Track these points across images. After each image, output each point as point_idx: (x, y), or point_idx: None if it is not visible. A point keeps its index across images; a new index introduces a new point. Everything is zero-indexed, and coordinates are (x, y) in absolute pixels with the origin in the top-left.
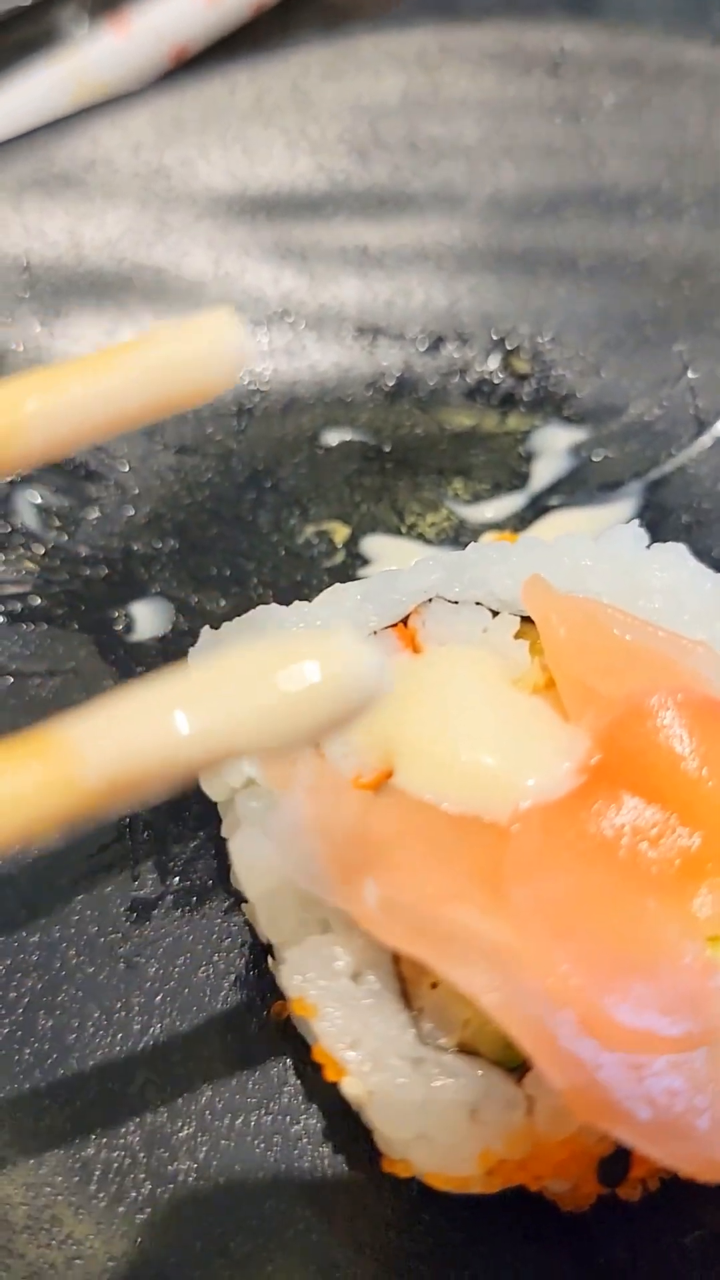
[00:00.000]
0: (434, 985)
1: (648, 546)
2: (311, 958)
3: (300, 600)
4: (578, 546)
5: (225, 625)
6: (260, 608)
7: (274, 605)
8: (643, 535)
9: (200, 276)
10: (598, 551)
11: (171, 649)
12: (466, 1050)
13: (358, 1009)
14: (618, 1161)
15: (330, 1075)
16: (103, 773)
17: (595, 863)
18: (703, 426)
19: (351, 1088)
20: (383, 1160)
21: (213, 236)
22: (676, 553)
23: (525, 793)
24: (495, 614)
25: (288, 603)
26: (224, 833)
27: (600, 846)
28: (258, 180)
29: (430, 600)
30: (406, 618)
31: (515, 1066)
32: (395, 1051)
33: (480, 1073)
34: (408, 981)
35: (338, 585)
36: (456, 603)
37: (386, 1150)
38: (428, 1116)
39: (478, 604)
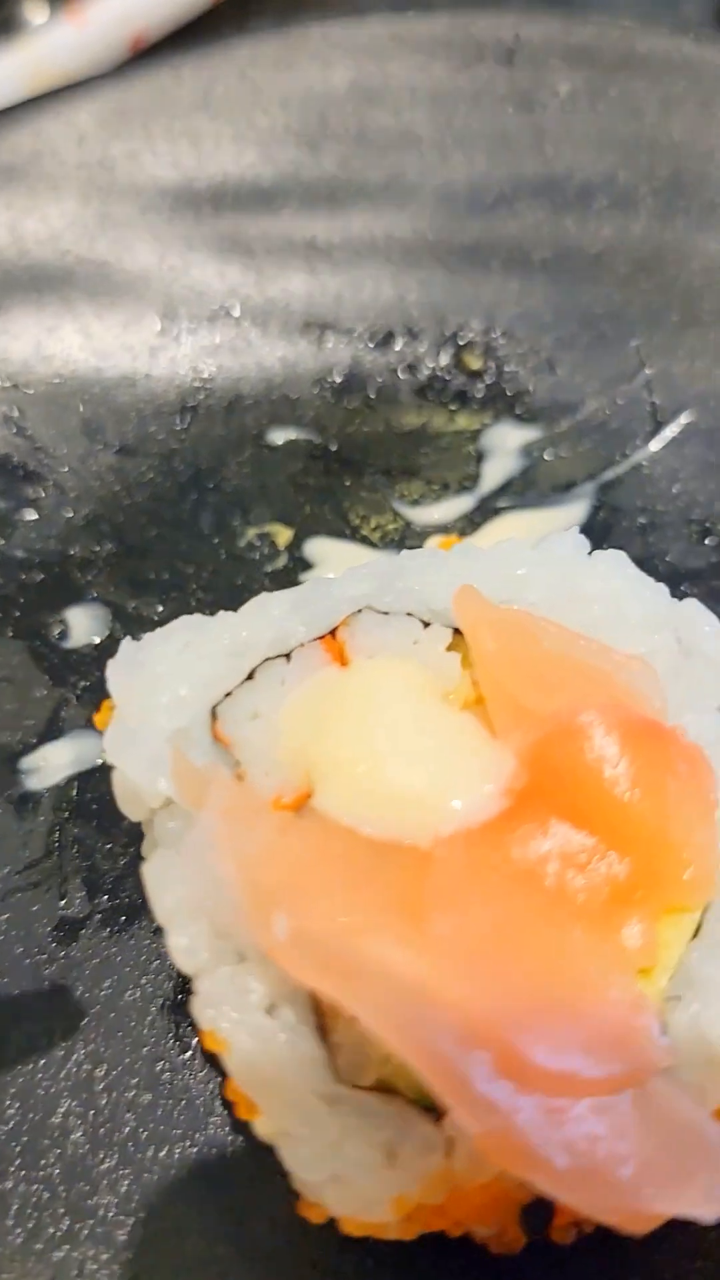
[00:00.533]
0: (353, 1018)
1: (589, 554)
2: (225, 989)
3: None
4: (515, 554)
5: (146, 636)
6: (182, 618)
7: (196, 615)
8: (583, 542)
9: (144, 271)
10: (536, 559)
11: (107, 656)
12: (385, 1088)
13: (272, 1044)
14: (543, 1206)
15: (242, 1113)
16: None
17: (520, 891)
18: (659, 425)
19: (264, 1127)
20: (299, 1203)
21: (157, 230)
22: (616, 560)
23: (449, 816)
24: (427, 625)
25: (228, 609)
26: (143, 852)
27: (526, 874)
28: (204, 172)
29: (360, 611)
30: (335, 629)
31: (434, 1106)
32: (310, 1089)
33: (398, 1113)
34: (325, 1015)
35: (264, 595)
36: (388, 613)
37: (303, 1191)
38: (342, 1158)
39: (409, 614)
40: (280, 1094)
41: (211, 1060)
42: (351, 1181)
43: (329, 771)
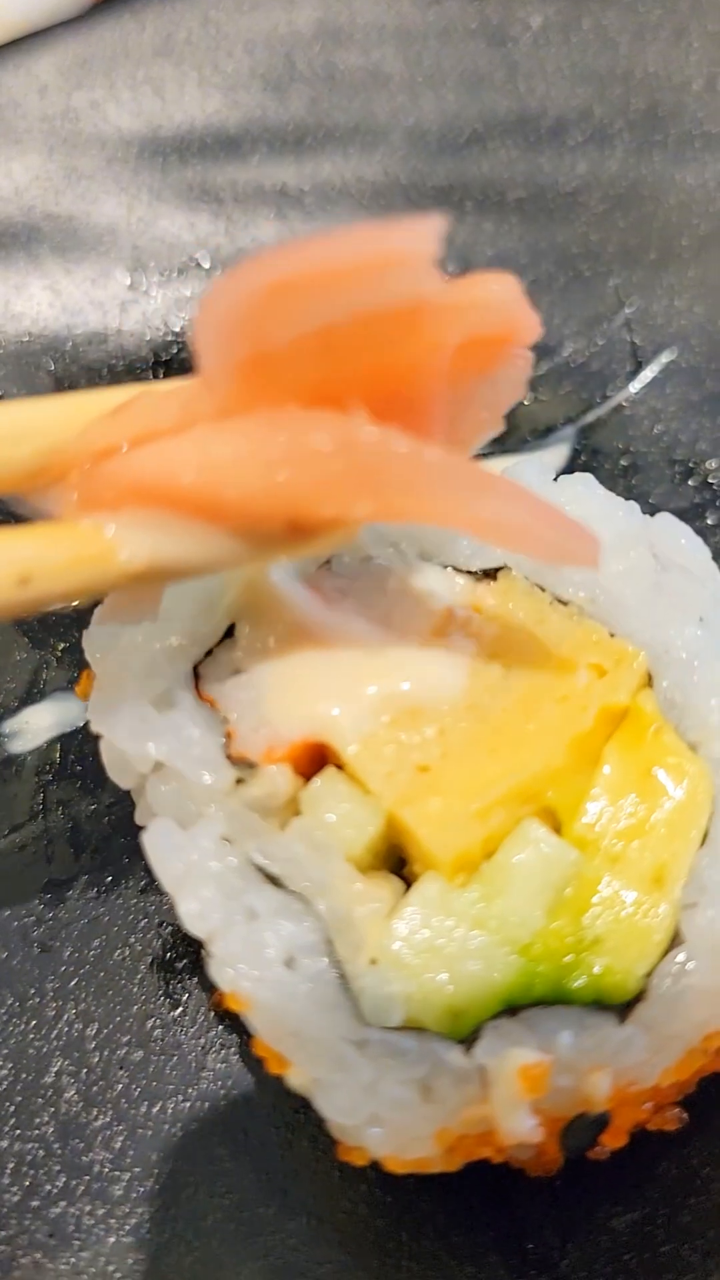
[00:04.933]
0: (373, 961)
1: (554, 479)
2: (241, 948)
3: None
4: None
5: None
6: None
7: None
8: (546, 470)
9: (112, 224)
10: None
11: (85, 618)
12: (412, 1027)
13: (295, 996)
14: (582, 1125)
15: (273, 1068)
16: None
17: None
18: (640, 364)
19: (297, 1078)
20: (338, 1147)
21: (124, 181)
22: (584, 483)
23: None
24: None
25: None
26: (138, 820)
27: None
28: (169, 121)
29: (329, 562)
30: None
31: (463, 1038)
32: (338, 1036)
33: (428, 1049)
34: (344, 962)
35: None
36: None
37: (341, 1137)
38: (378, 1099)
39: (370, 558)
40: (309, 1044)
41: (202, 1015)
42: (390, 1121)
43: None
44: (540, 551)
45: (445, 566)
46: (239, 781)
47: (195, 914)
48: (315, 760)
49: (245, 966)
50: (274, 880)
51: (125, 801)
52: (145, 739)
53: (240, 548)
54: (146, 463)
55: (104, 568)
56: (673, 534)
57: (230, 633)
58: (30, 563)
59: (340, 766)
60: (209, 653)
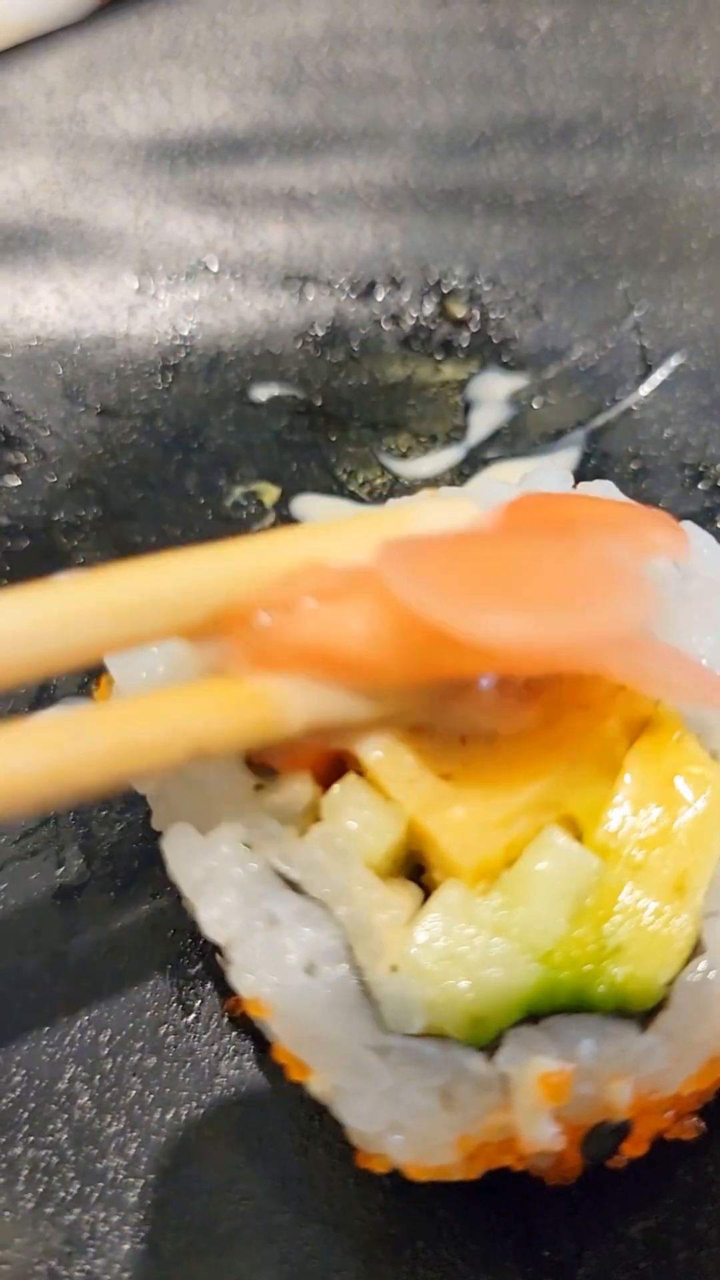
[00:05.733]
0: (394, 968)
1: (574, 487)
2: (261, 954)
3: None
4: (498, 494)
5: None
6: None
7: None
8: (566, 476)
9: (120, 227)
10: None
11: None
12: (433, 1034)
13: (316, 1003)
14: (603, 1133)
15: (294, 1075)
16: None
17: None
18: (649, 368)
19: (317, 1085)
20: (358, 1155)
21: (132, 184)
22: (604, 490)
23: None
24: None
25: None
26: (155, 825)
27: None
28: (177, 124)
29: None
30: None
31: (485, 1045)
32: (359, 1043)
33: (449, 1056)
34: (365, 968)
35: None
36: None
37: (361, 1144)
38: (400, 1107)
39: None
40: (330, 1051)
41: (215, 1021)
42: (411, 1129)
43: None
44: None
45: None
46: (258, 787)
47: (215, 920)
48: (335, 767)
49: (266, 972)
50: (294, 886)
51: (137, 807)
52: None
53: (395, 710)
54: (319, 628)
55: (271, 731)
56: (695, 542)
57: None
58: (204, 735)
59: (361, 773)
60: None
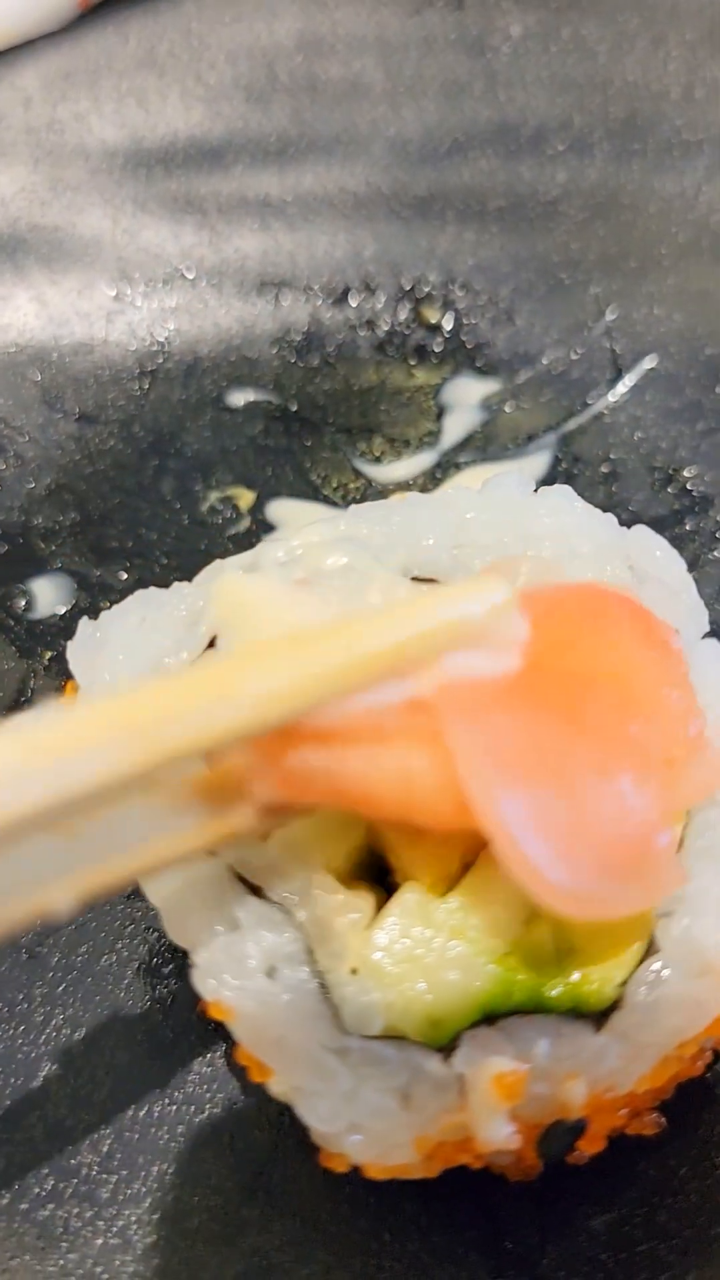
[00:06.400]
0: (354, 971)
1: (534, 491)
2: (223, 958)
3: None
4: (461, 499)
5: (103, 614)
6: (138, 593)
7: (151, 589)
8: (527, 481)
9: (97, 235)
10: (482, 502)
11: (73, 626)
12: (392, 1035)
13: (276, 1006)
14: (559, 1131)
15: (255, 1076)
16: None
17: (537, 717)
18: (620, 372)
19: (278, 1086)
20: (320, 1155)
21: (108, 193)
22: (562, 495)
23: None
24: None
25: (192, 575)
26: None
27: (543, 704)
28: (153, 132)
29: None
30: None
31: (442, 1046)
32: (318, 1044)
33: (407, 1057)
34: (325, 971)
35: (216, 561)
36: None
37: (323, 1144)
38: (359, 1107)
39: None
40: (290, 1052)
41: (187, 1021)
42: (370, 1128)
43: None
44: None
45: (428, 580)
46: None
47: (179, 924)
48: None
49: (228, 976)
50: (255, 890)
51: None
52: None
53: None
54: (346, 768)
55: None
56: (648, 546)
57: (213, 644)
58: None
59: None
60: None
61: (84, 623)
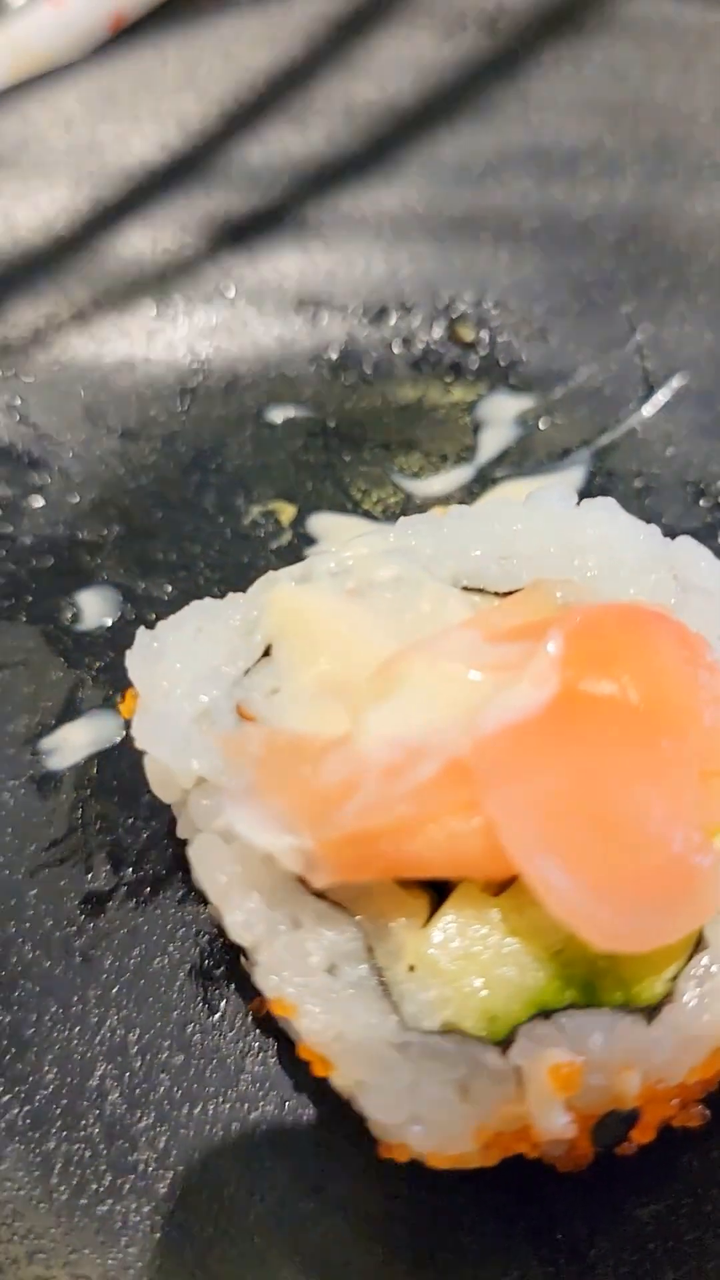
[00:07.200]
0: (411, 968)
1: (577, 504)
2: (285, 956)
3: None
4: (505, 512)
5: (159, 624)
6: (193, 603)
7: (207, 599)
8: (570, 494)
9: (138, 254)
10: (526, 515)
11: (119, 637)
12: (450, 1030)
13: (338, 1002)
14: (613, 1122)
15: (318, 1070)
16: None
17: (571, 760)
18: (652, 389)
19: (341, 1080)
20: (379, 1146)
21: (149, 213)
22: (606, 507)
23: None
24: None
25: (235, 587)
26: (180, 834)
27: (576, 746)
28: (193, 153)
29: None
30: None
31: (500, 1040)
32: (379, 1039)
33: (466, 1050)
34: (384, 968)
35: (270, 573)
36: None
37: (383, 1136)
38: (419, 1099)
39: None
40: (352, 1047)
41: (240, 1020)
42: (431, 1119)
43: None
44: None
45: (477, 590)
46: None
47: (240, 924)
48: None
49: (290, 973)
50: (315, 890)
51: (161, 815)
52: (188, 756)
53: None
54: (399, 850)
55: None
56: (693, 556)
57: (268, 653)
58: None
59: None
60: (247, 672)
61: (141, 632)
